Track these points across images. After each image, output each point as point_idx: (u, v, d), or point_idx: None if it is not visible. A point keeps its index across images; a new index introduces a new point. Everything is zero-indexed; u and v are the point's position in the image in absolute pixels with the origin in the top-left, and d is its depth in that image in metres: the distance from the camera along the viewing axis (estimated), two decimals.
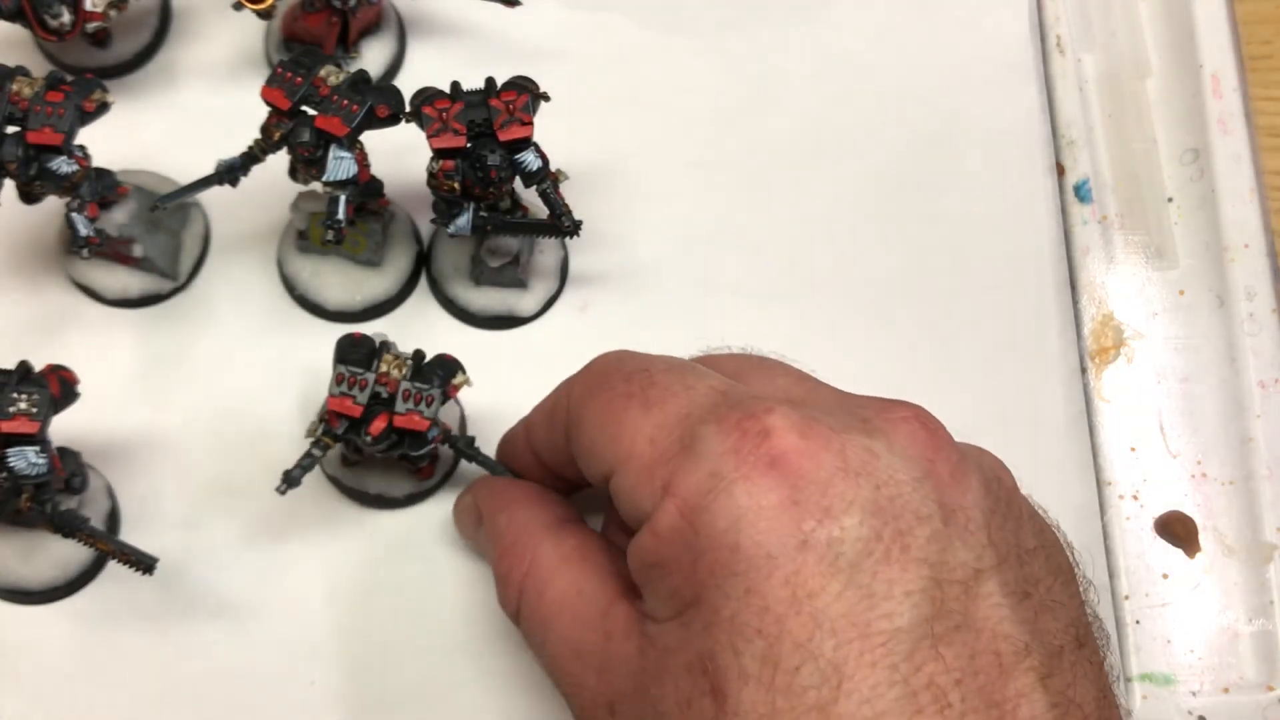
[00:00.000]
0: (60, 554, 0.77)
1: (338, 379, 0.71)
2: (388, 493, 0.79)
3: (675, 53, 0.90)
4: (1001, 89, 0.89)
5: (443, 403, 0.72)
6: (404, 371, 0.72)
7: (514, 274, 0.82)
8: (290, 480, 0.71)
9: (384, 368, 0.72)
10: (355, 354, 0.72)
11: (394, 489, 0.79)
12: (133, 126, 0.86)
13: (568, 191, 0.77)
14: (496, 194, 0.77)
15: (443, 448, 0.75)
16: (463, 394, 0.82)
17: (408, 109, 0.75)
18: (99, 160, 0.78)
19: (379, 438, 0.71)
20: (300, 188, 0.81)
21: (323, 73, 0.75)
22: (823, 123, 0.89)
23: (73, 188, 0.75)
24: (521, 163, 0.75)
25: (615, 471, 0.61)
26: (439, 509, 0.80)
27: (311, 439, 0.73)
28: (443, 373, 0.72)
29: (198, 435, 0.81)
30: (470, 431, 0.82)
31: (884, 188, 0.87)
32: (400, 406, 0.71)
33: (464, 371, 0.73)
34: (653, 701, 0.57)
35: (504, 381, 0.83)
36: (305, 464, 0.72)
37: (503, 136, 0.74)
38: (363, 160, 0.77)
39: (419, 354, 0.73)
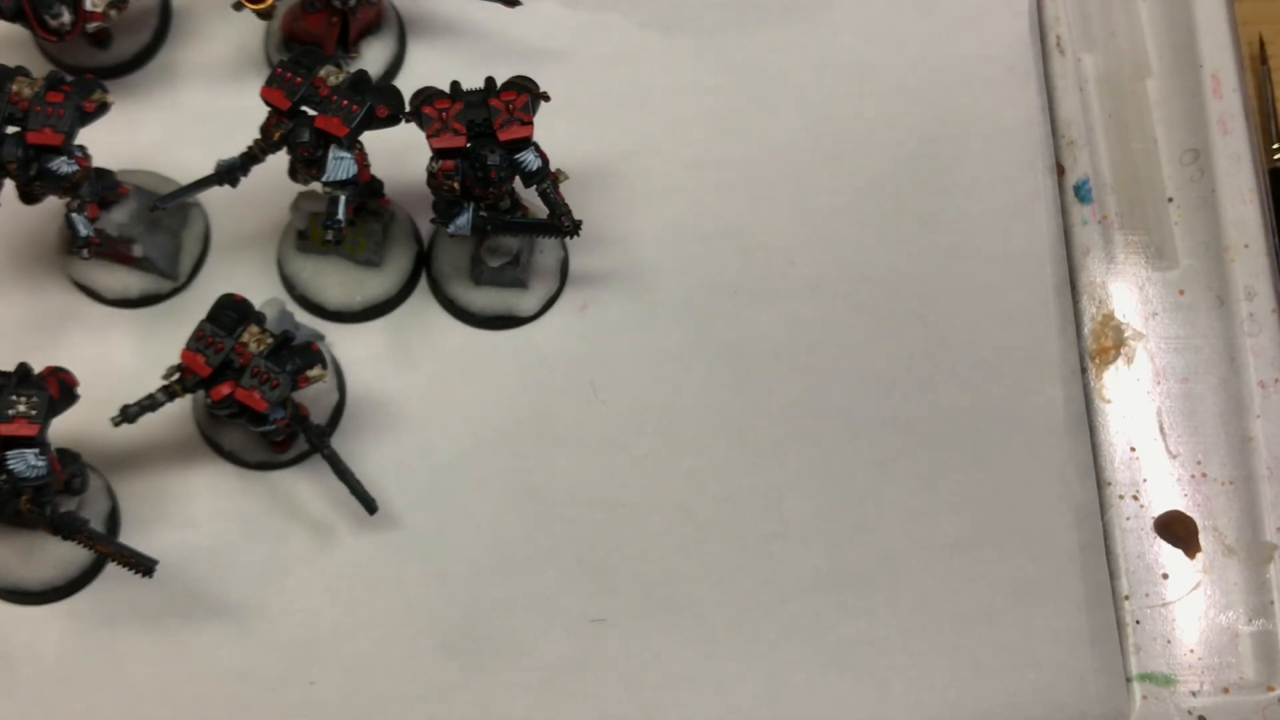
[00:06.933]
0: (60, 555, 0.77)
1: (197, 335, 0.73)
2: (240, 454, 0.80)
3: (675, 53, 0.90)
4: (1001, 89, 0.89)
5: (290, 389, 0.72)
6: (262, 349, 0.72)
7: (514, 274, 0.82)
8: (127, 416, 0.73)
9: (244, 339, 0.72)
10: (224, 316, 0.73)
11: (248, 453, 0.80)
12: (133, 126, 0.86)
13: (568, 191, 0.77)
14: (496, 194, 0.77)
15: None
16: (461, 394, 0.83)
17: (407, 109, 0.75)
18: (99, 160, 0.78)
19: (219, 403, 0.72)
20: (300, 188, 0.81)
21: (323, 73, 0.75)
22: (823, 123, 0.89)
23: (73, 188, 0.75)
24: (521, 163, 0.75)
25: None
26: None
27: (164, 382, 0.73)
28: (299, 361, 0.73)
29: (197, 435, 0.81)
30: (471, 431, 0.82)
31: (884, 187, 0.87)
32: (246, 381, 0.72)
33: (324, 365, 0.74)
34: None
35: (504, 381, 0.83)
36: (145, 404, 0.73)
37: (503, 136, 0.74)
38: (363, 160, 0.77)
39: (286, 335, 0.73)
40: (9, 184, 0.75)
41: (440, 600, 0.79)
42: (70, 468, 0.75)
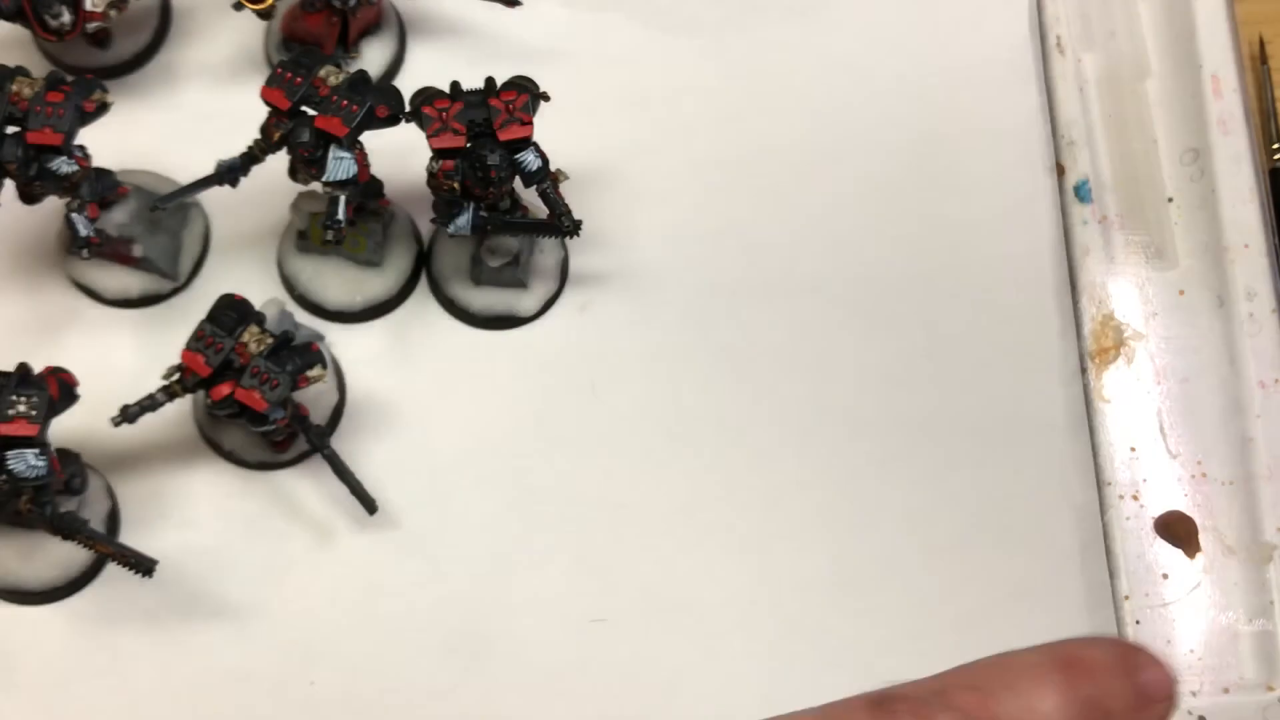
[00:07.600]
0: (60, 555, 0.77)
1: (198, 334, 0.73)
2: (240, 453, 0.80)
3: (675, 53, 0.90)
4: (1001, 89, 0.89)
5: (290, 389, 0.72)
6: (261, 349, 0.72)
7: (514, 274, 0.82)
8: (127, 416, 0.73)
9: (244, 339, 0.73)
10: (225, 316, 0.73)
11: (248, 453, 0.80)
12: (133, 126, 0.86)
13: (568, 191, 0.77)
14: (496, 194, 0.77)
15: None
16: (461, 394, 0.83)
17: (407, 109, 0.75)
18: (99, 160, 0.78)
19: (219, 403, 0.73)
20: (300, 188, 0.81)
21: (323, 73, 0.75)
22: (823, 123, 0.89)
23: (73, 188, 0.75)
24: (521, 163, 0.75)
25: None
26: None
27: (163, 382, 0.73)
28: (299, 361, 0.73)
29: (197, 435, 0.81)
30: (471, 431, 0.82)
31: (884, 188, 0.87)
32: (246, 381, 0.72)
33: (324, 366, 0.74)
34: None
35: (504, 381, 0.83)
36: (145, 404, 0.74)
37: (502, 136, 0.74)
38: (363, 160, 0.77)
39: (286, 335, 0.74)
40: (9, 184, 0.75)
41: (440, 600, 0.79)
42: (70, 468, 0.75)
